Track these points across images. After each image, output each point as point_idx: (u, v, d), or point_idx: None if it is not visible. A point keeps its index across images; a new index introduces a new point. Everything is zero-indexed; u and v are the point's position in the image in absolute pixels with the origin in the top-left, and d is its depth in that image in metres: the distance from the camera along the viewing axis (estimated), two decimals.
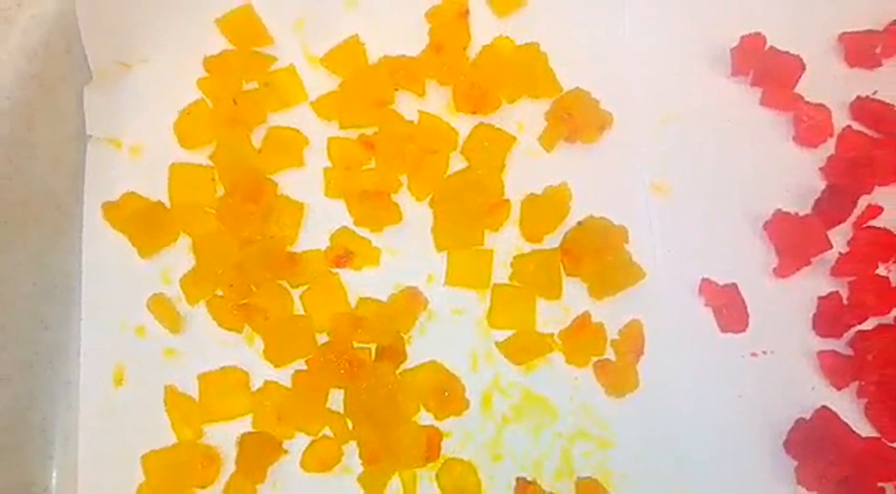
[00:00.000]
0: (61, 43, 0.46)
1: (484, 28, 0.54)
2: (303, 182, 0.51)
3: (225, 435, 0.46)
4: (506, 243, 0.51)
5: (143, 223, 0.48)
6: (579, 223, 0.50)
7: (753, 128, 0.54)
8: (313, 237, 0.50)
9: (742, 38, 0.54)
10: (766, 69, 0.54)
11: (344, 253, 0.49)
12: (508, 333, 0.49)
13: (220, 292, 0.48)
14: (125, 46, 0.50)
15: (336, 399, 0.46)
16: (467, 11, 0.54)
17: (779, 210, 0.51)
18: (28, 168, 0.45)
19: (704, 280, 0.50)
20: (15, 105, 0.44)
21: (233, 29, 0.52)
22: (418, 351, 0.48)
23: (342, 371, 0.44)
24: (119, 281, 0.48)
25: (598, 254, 0.49)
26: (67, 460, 0.45)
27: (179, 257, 0.49)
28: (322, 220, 0.50)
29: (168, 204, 0.49)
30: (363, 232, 0.50)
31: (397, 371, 0.46)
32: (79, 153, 0.49)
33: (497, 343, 0.48)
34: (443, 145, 0.51)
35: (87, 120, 0.49)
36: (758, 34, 0.54)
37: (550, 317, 0.49)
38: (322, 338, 0.47)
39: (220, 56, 0.51)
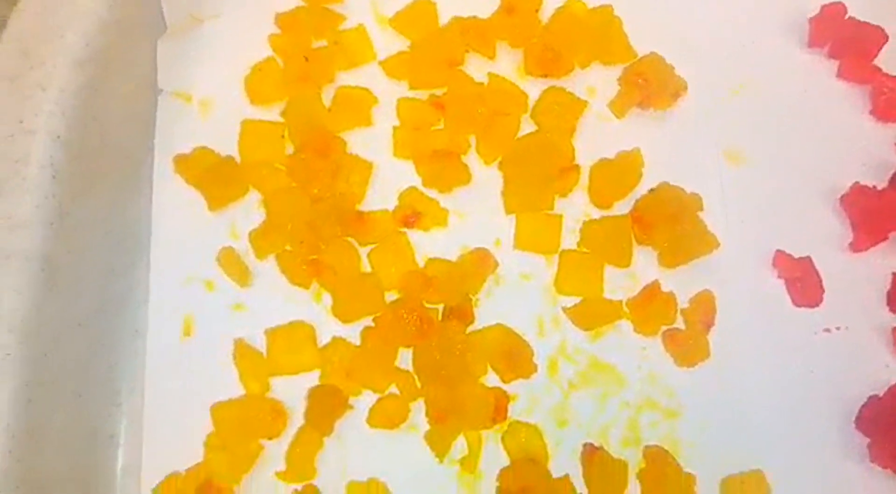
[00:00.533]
0: None
1: None
2: (371, 141, 0.50)
3: (291, 390, 0.46)
4: (574, 208, 0.50)
5: (214, 177, 0.48)
6: (651, 191, 0.49)
7: (830, 100, 0.53)
8: (381, 197, 0.49)
9: (822, 7, 0.53)
10: (845, 40, 0.53)
11: (412, 213, 0.48)
12: (576, 299, 0.48)
13: (288, 249, 0.48)
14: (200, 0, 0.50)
15: (404, 358, 0.46)
16: None
17: (856, 184, 0.50)
18: (102, 117, 0.45)
19: (779, 252, 0.49)
20: (94, 52, 0.44)
21: None
22: (485, 314, 0.47)
23: (413, 329, 0.44)
24: (188, 234, 0.48)
25: (670, 222, 0.48)
26: (133, 408, 0.45)
27: (248, 212, 0.49)
28: (390, 179, 0.50)
29: (238, 159, 0.49)
30: (431, 193, 0.49)
31: (466, 333, 0.46)
32: (150, 105, 0.49)
33: (564, 309, 0.48)
34: (513, 108, 0.51)
35: (158, 73, 0.49)
36: (839, 4, 0.53)
37: (618, 284, 0.48)
38: (389, 296, 0.47)
39: (292, 12, 0.51)
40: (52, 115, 0.42)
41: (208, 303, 0.47)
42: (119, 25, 0.45)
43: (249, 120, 0.50)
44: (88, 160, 0.44)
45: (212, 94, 0.51)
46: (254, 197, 0.49)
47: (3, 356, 0.38)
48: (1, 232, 0.40)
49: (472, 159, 0.50)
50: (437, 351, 0.44)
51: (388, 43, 0.52)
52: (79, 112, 0.43)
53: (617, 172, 0.50)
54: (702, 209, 0.49)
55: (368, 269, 0.48)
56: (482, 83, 0.51)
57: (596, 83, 0.52)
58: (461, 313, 0.46)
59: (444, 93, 0.51)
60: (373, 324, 0.46)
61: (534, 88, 0.52)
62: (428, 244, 0.49)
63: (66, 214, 0.42)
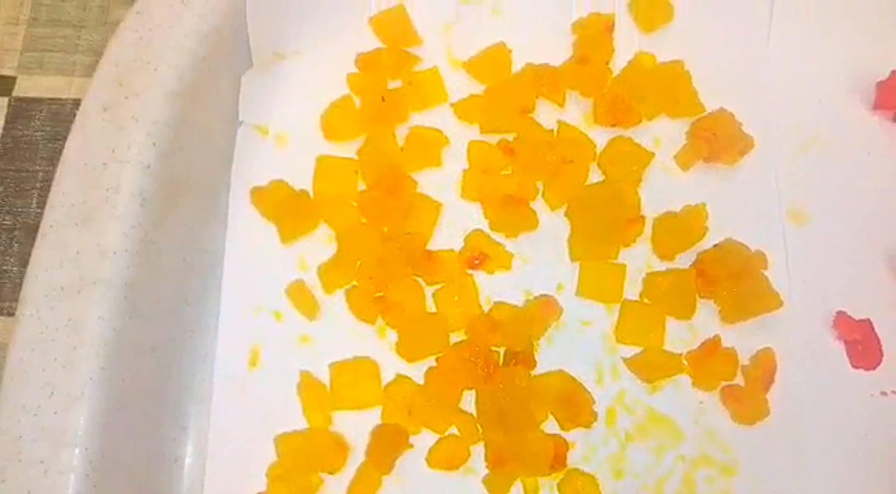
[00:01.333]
0: (229, 29, 0.48)
1: (628, 42, 0.54)
2: (440, 182, 0.51)
3: (352, 425, 0.46)
4: (637, 259, 0.50)
5: (288, 210, 0.49)
6: (716, 246, 0.50)
7: (893, 162, 0.53)
8: (448, 238, 0.50)
9: (892, 71, 0.53)
10: None
11: (479, 255, 0.49)
12: (636, 349, 0.48)
13: (355, 284, 0.49)
14: (283, 37, 0.52)
15: (466, 400, 0.46)
16: (613, 25, 0.54)
17: None
18: (188, 148, 0.47)
19: (839, 314, 0.49)
20: (185, 86, 0.45)
21: (385, 27, 0.53)
22: (545, 360, 0.48)
23: (478, 371, 0.45)
24: (259, 265, 0.49)
25: (734, 278, 0.48)
26: (199, 432, 0.46)
27: (318, 246, 0.50)
28: (457, 221, 0.51)
29: (311, 193, 0.50)
30: (497, 236, 0.50)
31: (529, 378, 0.46)
32: (229, 138, 0.51)
33: (624, 359, 0.48)
34: (581, 156, 0.51)
35: (240, 106, 0.51)
36: None
37: (679, 337, 0.49)
38: (454, 337, 0.48)
39: (372, 53, 0.52)
40: (143, 146, 0.43)
41: (276, 334, 0.48)
42: (208, 60, 0.47)
43: (324, 156, 0.51)
44: (173, 190, 0.45)
45: (289, 128, 0.52)
46: (325, 231, 0.50)
47: (86, 381, 0.39)
48: (90, 259, 0.41)
49: (539, 205, 0.51)
50: (501, 395, 0.45)
51: (460, 86, 0.54)
52: (168, 144, 0.44)
53: (681, 226, 0.50)
54: (766, 267, 0.49)
55: (433, 309, 0.48)
56: (551, 131, 0.52)
57: (662, 135, 0.53)
58: (525, 358, 0.47)
59: (514, 138, 0.52)
60: (436, 364, 0.47)
61: (601, 138, 0.52)
62: (491, 287, 0.49)
63: (149, 242, 0.43)
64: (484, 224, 0.50)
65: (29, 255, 0.42)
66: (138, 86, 0.44)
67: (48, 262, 0.41)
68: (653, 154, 0.52)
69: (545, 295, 0.48)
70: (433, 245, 0.50)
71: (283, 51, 0.52)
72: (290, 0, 0.51)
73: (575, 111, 0.53)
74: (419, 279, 0.49)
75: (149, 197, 0.43)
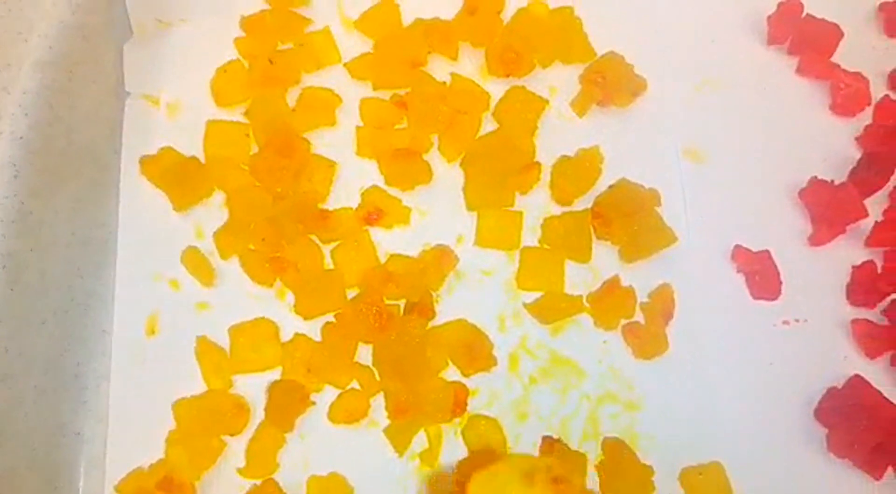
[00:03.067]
0: None
1: None
2: (335, 141, 0.51)
3: (254, 386, 0.46)
4: (535, 205, 0.50)
5: (179, 178, 0.49)
6: (610, 187, 0.50)
7: (789, 96, 0.54)
8: (344, 195, 0.50)
9: (780, 4, 0.54)
10: (804, 37, 0.54)
11: (374, 211, 0.49)
12: (536, 295, 0.49)
13: (252, 248, 0.48)
14: (165, 5, 0.51)
15: (364, 354, 0.47)
16: None
17: (814, 178, 0.51)
18: (68, 118, 0.46)
19: (737, 247, 0.50)
20: (57, 55, 0.45)
21: None
22: (446, 310, 0.48)
23: (372, 323, 0.45)
24: (153, 234, 0.49)
25: (629, 217, 0.49)
26: (99, 405, 0.46)
27: (213, 212, 0.49)
28: (353, 178, 0.51)
29: (203, 160, 0.50)
30: (394, 191, 0.50)
31: (426, 328, 0.46)
32: (116, 108, 0.50)
33: (525, 305, 0.48)
34: (474, 107, 0.51)
35: (125, 77, 0.50)
36: (795, 2, 0.54)
37: (579, 280, 0.49)
38: (352, 294, 0.48)
39: (257, 16, 0.52)
40: (14, 116, 0.43)
41: (173, 302, 0.48)
42: (83, 29, 0.46)
43: (214, 120, 0.50)
44: (53, 161, 0.45)
45: (179, 96, 0.52)
46: (219, 198, 0.50)
47: None
48: None
49: (435, 158, 0.51)
50: (397, 346, 0.45)
51: (352, 45, 0.53)
52: (42, 114, 0.44)
53: (577, 169, 0.50)
54: (660, 204, 0.49)
55: (331, 267, 0.48)
56: (444, 83, 0.52)
57: (557, 83, 0.53)
58: (422, 308, 0.47)
59: (407, 93, 0.52)
60: (333, 320, 0.47)
61: (496, 88, 0.52)
62: (390, 242, 0.49)
63: (27, 213, 0.42)
64: (380, 180, 0.50)
65: None
66: (9, 57, 0.44)
67: None
68: (546, 101, 0.52)
69: (440, 246, 0.48)
70: (330, 204, 0.50)
71: (167, 18, 0.52)
72: None
73: (469, 63, 0.53)
74: (315, 239, 0.49)
75: (23, 168, 0.42)
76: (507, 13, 0.54)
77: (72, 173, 0.46)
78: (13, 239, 0.41)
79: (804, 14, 0.54)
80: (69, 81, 0.46)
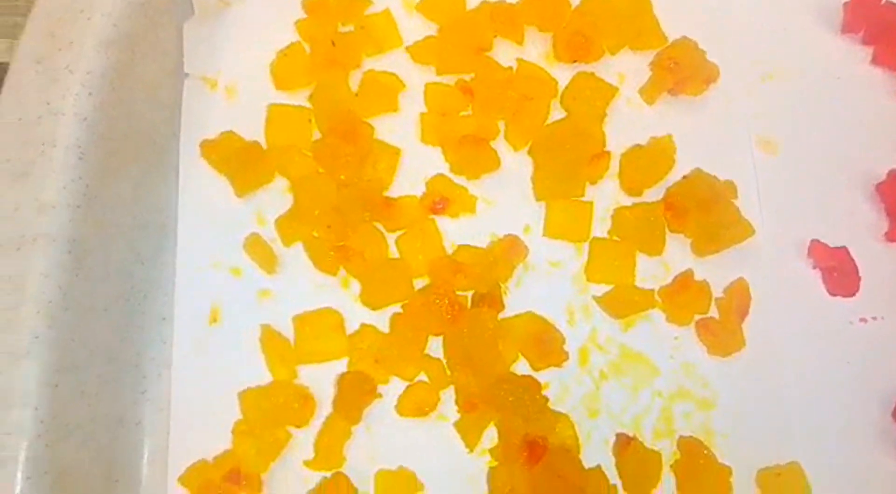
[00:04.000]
0: None
1: None
2: (398, 127, 0.50)
3: (318, 377, 0.45)
4: (604, 195, 0.49)
5: (241, 162, 0.47)
6: (685, 177, 0.48)
7: (864, 86, 0.52)
8: (408, 183, 0.49)
9: None
10: (880, 26, 0.52)
11: (440, 200, 0.47)
12: (607, 288, 0.47)
13: (315, 235, 0.47)
14: None
15: (433, 345, 0.45)
16: None
17: (892, 171, 0.49)
18: (129, 100, 0.45)
19: (814, 242, 0.48)
20: (121, 34, 0.43)
21: None
22: (514, 302, 0.46)
23: (444, 315, 0.43)
24: (214, 220, 0.48)
25: (704, 209, 0.47)
26: (160, 395, 0.45)
27: (274, 198, 0.48)
28: (417, 166, 0.49)
29: (264, 144, 0.49)
30: (459, 179, 0.49)
31: (497, 319, 0.45)
32: (175, 89, 0.49)
33: (595, 298, 0.47)
34: (542, 93, 0.50)
35: (185, 57, 0.49)
36: None
37: (650, 273, 0.48)
38: (418, 284, 0.46)
39: None
40: (79, 96, 0.41)
41: (235, 290, 0.47)
42: (146, 7, 0.45)
43: (276, 105, 0.49)
44: (115, 143, 0.43)
45: (237, 78, 0.50)
46: (280, 183, 0.48)
47: (32, 339, 0.38)
48: (28, 214, 0.39)
49: (501, 145, 0.50)
50: (469, 338, 0.43)
51: (414, 28, 0.52)
52: (106, 95, 0.42)
53: (648, 159, 0.49)
54: (736, 197, 0.48)
55: (396, 255, 0.47)
56: (510, 69, 0.50)
57: (626, 69, 0.51)
58: (491, 300, 0.45)
59: (472, 78, 0.50)
60: (401, 311, 0.45)
61: (563, 74, 0.51)
62: (456, 231, 0.48)
63: (93, 197, 0.41)
64: (445, 168, 0.49)
65: None
66: (72, 36, 0.42)
67: None
68: (616, 89, 0.50)
69: (510, 236, 0.47)
70: (394, 192, 0.48)
71: None
72: None
73: (534, 48, 0.52)
74: (380, 227, 0.47)
75: (88, 150, 0.41)
76: None
77: (132, 156, 0.45)
78: (78, 224, 0.40)
79: (883, 2, 0.52)
80: (131, 61, 0.44)
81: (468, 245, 0.47)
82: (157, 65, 0.47)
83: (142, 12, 0.44)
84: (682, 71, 0.50)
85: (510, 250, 0.46)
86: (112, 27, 0.43)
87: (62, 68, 0.42)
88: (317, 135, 0.49)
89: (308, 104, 0.49)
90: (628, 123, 0.50)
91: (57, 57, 0.42)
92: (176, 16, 0.48)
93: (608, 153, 0.49)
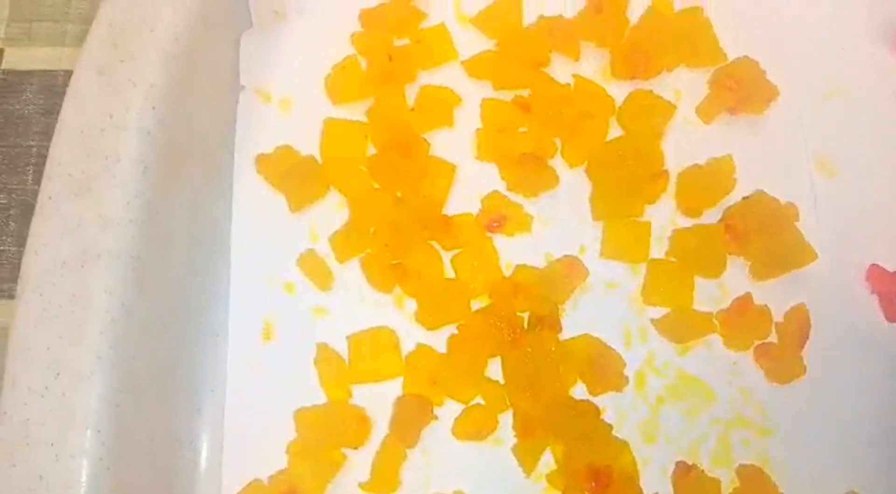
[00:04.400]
0: None
1: None
2: (453, 143, 0.49)
3: (372, 397, 0.44)
4: (661, 216, 0.48)
5: (296, 178, 0.47)
6: (745, 199, 0.47)
7: None
8: (463, 201, 0.48)
9: None
10: None
11: (497, 217, 0.47)
12: (664, 311, 0.46)
13: (369, 251, 0.46)
14: None
15: (491, 368, 0.45)
16: None
17: None
18: (188, 114, 0.44)
19: (873, 266, 0.47)
20: (184, 48, 0.43)
21: None
22: (570, 325, 0.46)
23: (505, 337, 0.43)
24: (268, 235, 0.47)
25: (765, 232, 0.46)
26: (214, 412, 0.44)
27: (328, 214, 0.48)
28: (472, 183, 0.48)
29: (319, 159, 0.48)
30: (516, 197, 0.48)
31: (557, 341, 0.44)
32: (230, 103, 0.48)
33: (653, 321, 0.46)
34: (601, 110, 0.49)
35: (241, 69, 0.48)
36: None
37: (708, 296, 0.47)
38: (475, 304, 0.46)
39: (377, 9, 0.50)
40: (143, 110, 0.41)
41: (289, 306, 0.46)
42: (207, 20, 0.44)
43: (332, 119, 0.48)
44: (176, 158, 0.43)
45: (292, 92, 0.50)
46: (335, 199, 0.48)
47: (95, 360, 0.37)
48: (92, 231, 0.39)
49: (558, 163, 0.49)
50: (530, 361, 0.43)
51: (469, 42, 0.51)
52: (168, 108, 0.42)
53: (708, 180, 0.48)
54: (797, 219, 0.47)
55: (452, 275, 0.46)
56: (567, 85, 0.50)
57: (683, 87, 0.51)
58: (550, 322, 0.45)
59: (529, 94, 0.49)
60: (457, 332, 0.45)
61: (620, 91, 0.50)
62: (511, 250, 0.47)
63: (154, 212, 0.41)
64: (501, 185, 0.48)
65: (27, 234, 0.40)
66: (134, 48, 0.42)
67: (48, 235, 0.39)
68: (674, 107, 0.50)
69: (569, 257, 0.46)
70: (449, 209, 0.48)
71: (283, 9, 0.50)
72: None
73: (591, 64, 0.51)
74: (436, 245, 0.47)
75: (151, 164, 0.41)
76: (633, 12, 0.51)
77: (190, 170, 0.45)
78: (142, 240, 0.40)
79: None
80: (192, 73, 0.44)
81: (527, 265, 0.46)
82: (214, 78, 0.47)
83: (202, 24, 0.44)
84: (742, 90, 0.49)
85: (570, 272, 0.46)
86: (174, 40, 0.42)
87: (125, 80, 0.41)
88: (372, 150, 0.48)
89: (363, 119, 0.49)
90: (685, 142, 0.49)
91: (119, 68, 0.41)
92: (233, 28, 0.48)
93: (666, 172, 0.48)
